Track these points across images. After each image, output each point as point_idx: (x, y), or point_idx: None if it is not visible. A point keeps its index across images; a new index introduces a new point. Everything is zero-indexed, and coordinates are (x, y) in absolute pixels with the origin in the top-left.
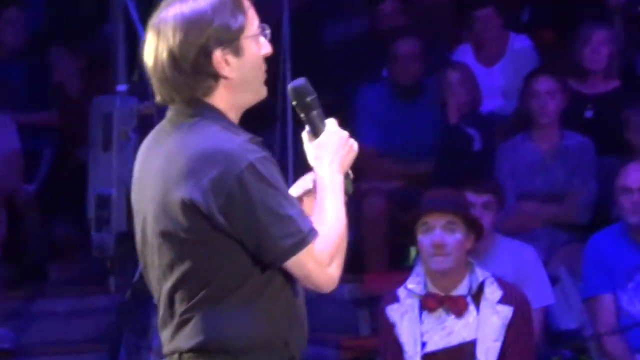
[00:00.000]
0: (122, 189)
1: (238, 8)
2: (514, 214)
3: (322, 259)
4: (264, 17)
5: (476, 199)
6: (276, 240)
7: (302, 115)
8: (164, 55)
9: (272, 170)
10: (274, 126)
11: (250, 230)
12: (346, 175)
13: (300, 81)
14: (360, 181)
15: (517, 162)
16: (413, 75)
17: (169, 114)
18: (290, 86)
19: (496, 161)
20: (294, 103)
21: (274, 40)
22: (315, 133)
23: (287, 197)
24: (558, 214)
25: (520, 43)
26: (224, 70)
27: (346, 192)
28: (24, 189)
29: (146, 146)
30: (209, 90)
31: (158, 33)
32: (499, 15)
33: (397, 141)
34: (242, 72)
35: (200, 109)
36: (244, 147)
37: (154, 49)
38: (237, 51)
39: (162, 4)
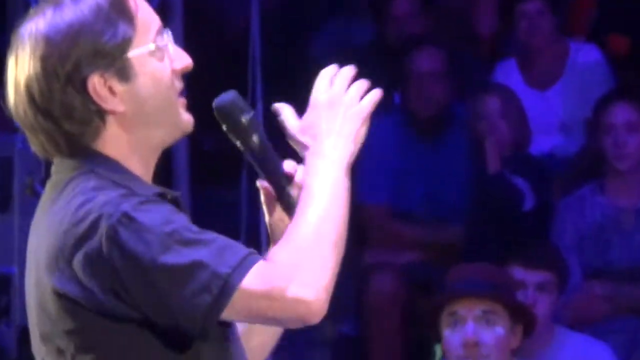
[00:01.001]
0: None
1: (120, 13)
2: (581, 298)
3: (272, 286)
4: (226, 18)
5: (527, 277)
6: (187, 302)
7: (239, 145)
8: (22, 92)
9: (159, 209)
10: (238, 178)
11: (151, 303)
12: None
13: (227, 95)
14: (364, 251)
15: (585, 225)
16: (436, 101)
17: (52, 168)
18: (214, 104)
19: (555, 224)
20: (224, 128)
21: (240, 51)
22: (265, 171)
23: (190, 234)
24: None
25: (585, 55)
26: (108, 103)
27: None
28: None
29: (36, 215)
30: (95, 133)
31: (15, 59)
32: (552, 12)
33: (414, 196)
34: (139, 101)
35: (82, 161)
36: (119, 200)
37: (13, 83)
38: (123, 73)
39: (29, 13)
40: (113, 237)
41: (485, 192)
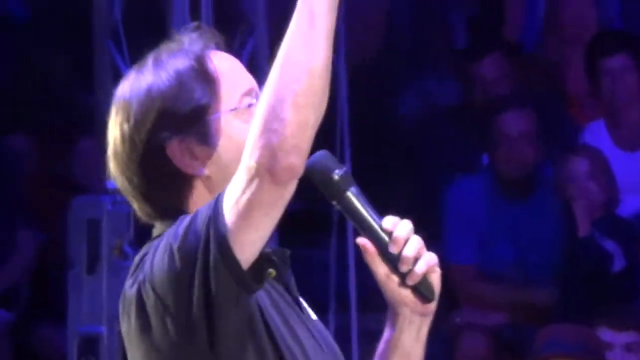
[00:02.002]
0: (116, 327)
1: (199, 76)
2: None
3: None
4: None
5: (614, 337)
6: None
7: (335, 204)
8: (111, 158)
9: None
10: (329, 238)
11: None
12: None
13: (318, 154)
14: (452, 312)
15: None
16: (525, 163)
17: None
18: (305, 165)
19: None
20: (320, 189)
21: (327, 111)
22: (364, 227)
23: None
24: None
25: None
26: (190, 168)
27: (428, 297)
28: None
29: None
30: (184, 196)
31: (109, 124)
32: (638, 68)
33: (503, 257)
34: (222, 164)
35: (172, 223)
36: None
37: (108, 149)
38: (204, 137)
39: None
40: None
41: (576, 254)
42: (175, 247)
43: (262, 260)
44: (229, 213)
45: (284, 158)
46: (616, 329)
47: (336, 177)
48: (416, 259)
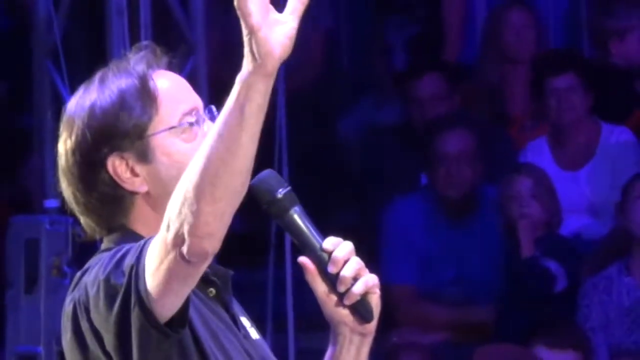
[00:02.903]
0: (54, 347)
1: (140, 95)
2: None
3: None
4: None
5: (552, 357)
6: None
7: (280, 223)
8: (59, 173)
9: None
10: (267, 258)
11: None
12: (364, 296)
13: (263, 173)
14: (391, 332)
15: (611, 305)
16: (465, 183)
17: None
18: (251, 183)
19: (580, 303)
20: (264, 207)
21: (266, 133)
22: (305, 246)
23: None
24: None
25: (617, 137)
26: (130, 184)
27: (366, 318)
28: None
29: None
30: (126, 212)
31: (60, 138)
32: (585, 89)
33: (444, 277)
34: (161, 182)
35: (115, 239)
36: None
37: (59, 165)
38: (143, 154)
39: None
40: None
41: (518, 275)
42: (102, 281)
43: (186, 305)
44: (150, 278)
45: (197, 244)
46: (554, 349)
47: (280, 195)
48: (355, 280)
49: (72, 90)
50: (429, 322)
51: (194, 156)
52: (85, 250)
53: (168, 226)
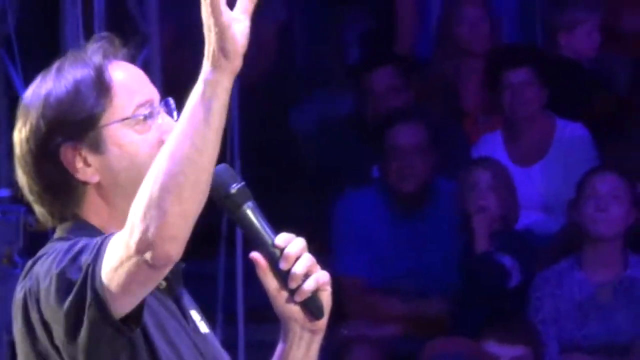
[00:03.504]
0: (4, 335)
1: (94, 85)
2: None
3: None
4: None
5: (502, 351)
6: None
7: (232, 217)
8: (17, 160)
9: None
10: (217, 250)
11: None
12: (315, 294)
13: (217, 167)
14: (342, 325)
15: (562, 300)
16: (416, 176)
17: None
18: None
19: (532, 297)
20: (217, 202)
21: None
22: (257, 242)
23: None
24: None
25: (571, 132)
26: (82, 174)
27: (316, 315)
28: None
29: None
30: (79, 201)
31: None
32: (539, 84)
33: (395, 270)
34: (112, 173)
35: (67, 228)
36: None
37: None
38: (95, 145)
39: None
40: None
41: (472, 269)
42: (56, 275)
43: (142, 304)
44: (108, 277)
45: (161, 246)
46: (504, 343)
47: (233, 190)
48: (306, 277)
49: (26, 80)
50: (380, 315)
51: (157, 157)
52: (37, 239)
53: (132, 230)
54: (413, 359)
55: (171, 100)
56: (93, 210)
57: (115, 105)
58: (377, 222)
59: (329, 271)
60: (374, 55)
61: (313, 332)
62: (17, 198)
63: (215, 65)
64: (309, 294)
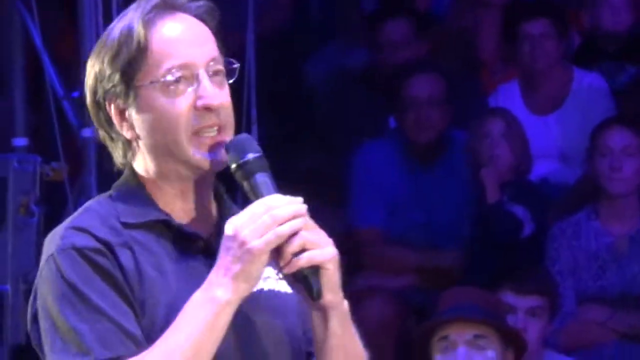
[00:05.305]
0: (21, 285)
1: (132, 43)
2: (574, 323)
3: None
4: (223, 43)
5: (518, 302)
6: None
7: (245, 186)
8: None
9: (79, 268)
10: None
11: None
12: (310, 273)
13: (238, 137)
14: (357, 276)
15: (579, 250)
16: (433, 127)
17: None
18: (226, 144)
19: (549, 249)
20: (232, 167)
21: (237, 77)
22: None
23: (89, 306)
24: (636, 324)
25: (589, 83)
26: (121, 127)
27: (314, 296)
28: None
29: None
30: (133, 152)
31: None
32: (557, 35)
33: (411, 221)
34: (147, 132)
35: (123, 179)
36: (62, 233)
37: None
38: (132, 102)
39: None
40: (40, 272)
41: (484, 220)
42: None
43: None
44: None
45: None
46: (520, 294)
47: (250, 158)
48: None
49: (43, 29)
50: (395, 266)
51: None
52: (53, 189)
53: None
54: (429, 309)
55: (233, 61)
56: (140, 164)
57: (149, 66)
58: (393, 173)
59: (343, 223)
60: (389, 6)
61: (320, 309)
62: (34, 148)
63: (232, 289)
64: (294, 270)
